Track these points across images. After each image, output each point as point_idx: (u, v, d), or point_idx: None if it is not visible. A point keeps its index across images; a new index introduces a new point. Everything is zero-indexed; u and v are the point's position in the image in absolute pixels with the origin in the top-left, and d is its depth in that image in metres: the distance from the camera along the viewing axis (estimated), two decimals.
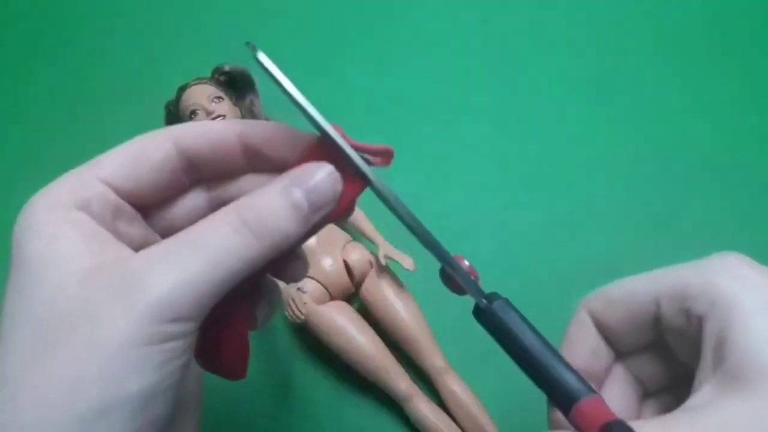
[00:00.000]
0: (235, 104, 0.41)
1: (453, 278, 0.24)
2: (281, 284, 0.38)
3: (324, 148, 0.21)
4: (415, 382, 0.36)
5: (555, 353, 0.23)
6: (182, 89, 0.41)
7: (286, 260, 0.24)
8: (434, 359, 0.36)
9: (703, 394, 0.20)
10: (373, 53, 0.49)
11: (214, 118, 0.39)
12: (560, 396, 0.22)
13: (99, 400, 0.17)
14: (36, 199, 0.20)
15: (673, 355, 0.24)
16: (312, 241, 0.38)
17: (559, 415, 0.23)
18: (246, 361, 0.24)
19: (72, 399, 0.17)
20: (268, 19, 0.51)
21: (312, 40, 0.50)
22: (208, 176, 0.23)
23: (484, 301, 0.24)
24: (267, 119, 0.41)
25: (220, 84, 0.41)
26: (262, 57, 0.20)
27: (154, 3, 0.52)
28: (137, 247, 0.21)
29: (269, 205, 0.20)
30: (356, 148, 0.21)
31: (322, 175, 0.21)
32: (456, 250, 0.44)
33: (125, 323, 0.18)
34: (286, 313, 0.37)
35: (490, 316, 0.23)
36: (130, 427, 0.18)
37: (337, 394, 0.38)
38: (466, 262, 0.24)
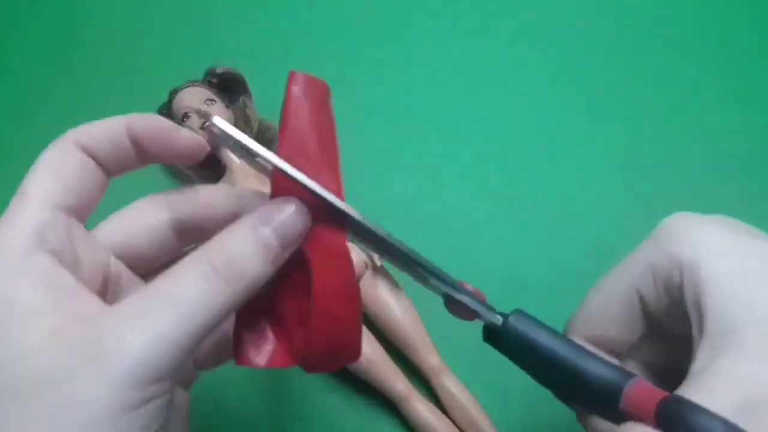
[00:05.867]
0: (227, 107, 0.41)
1: (459, 305, 0.23)
2: None
3: (295, 190, 0.21)
4: (411, 383, 0.36)
5: (580, 348, 0.22)
6: (174, 92, 0.41)
7: None
8: (430, 359, 0.36)
9: (699, 359, 0.20)
10: (371, 54, 0.49)
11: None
12: (603, 390, 0.21)
13: None
14: None
15: (669, 331, 0.24)
16: None
17: (597, 423, 0.22)
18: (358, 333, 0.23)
19: None
20: (266, 21, 0.51)
21: (311, 41, 0.50)
22: (116, 170, 0.23)
23: (500, 318, 0.23)
24: (261, 120, 0.41)
25: (212, 86, 0.41)
26: (218, 121, 0.21)
27: (148, 5, 0.52)
28: (102, 269, 0.22)
29: (239, 249, 0.20)
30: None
31: (289, 210, 0.21)
32: (456, 250, 0.44)
33: (100, 391, 0.17)
34: None
35: (510, 334, 0.22)
36: None
37: (333, 395, 0.38)
38: (470, 287, 0.24)
